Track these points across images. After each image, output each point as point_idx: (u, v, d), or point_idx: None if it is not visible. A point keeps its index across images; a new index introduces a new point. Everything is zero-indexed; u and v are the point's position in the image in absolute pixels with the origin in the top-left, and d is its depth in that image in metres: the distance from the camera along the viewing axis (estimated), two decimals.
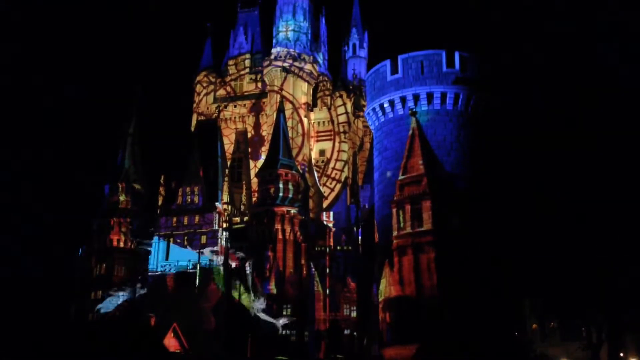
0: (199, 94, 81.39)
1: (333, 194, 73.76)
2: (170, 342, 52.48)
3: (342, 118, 77.26)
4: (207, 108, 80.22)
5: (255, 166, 74.02)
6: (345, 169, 75.17)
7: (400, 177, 40.22)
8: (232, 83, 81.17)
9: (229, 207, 65.08)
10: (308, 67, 77.06)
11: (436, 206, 38.54)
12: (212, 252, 59.40)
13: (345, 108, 77.68)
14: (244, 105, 79.77)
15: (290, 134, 69.60)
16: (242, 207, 69.48)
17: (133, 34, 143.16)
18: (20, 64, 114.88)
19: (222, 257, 60.22)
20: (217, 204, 62.17)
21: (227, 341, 53.56)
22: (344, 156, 76.01)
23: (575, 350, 48.33)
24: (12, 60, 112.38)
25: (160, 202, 64.88)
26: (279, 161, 61.17)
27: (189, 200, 62.79)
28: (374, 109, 44.26)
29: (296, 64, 76.32)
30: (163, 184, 65.64)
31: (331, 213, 67.07)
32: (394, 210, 39.99)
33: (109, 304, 58.33)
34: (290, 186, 60.50)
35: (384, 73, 43.64)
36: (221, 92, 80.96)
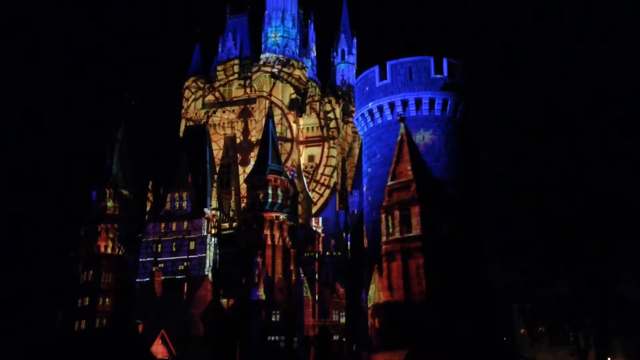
0: (187, 100, 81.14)
1: (322, 200, 73.71)
2: (158, 349, 52.17)
3: (331, 124, 77.34)
4: (196, 114, 80.00)
5: (244, 172, 73.83)
6: (334, 175, 75.17)
7: (389, 183, 40.27)
8: (221, 89, 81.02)
9: (218, 213, 64.86)
10: (297, 72, 77.12)
11: (425, 212, 38.60)
12: (201, 258, 59.24)
13: (334, 114, 77.76)
14: (233, 110, 79.63)
15: (279, 140, 69.53)
16: (231, 213, 69.25)
17: (122, 39, 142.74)
18: (10, 67, 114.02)
19: (211, 263, 60.05)
20: (205, 210, 61.95)
21: (215, 348, 53.31)
22: (333, 162, 76.03)
23: (563, 355, 48.57)
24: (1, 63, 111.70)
25: (148, 208, 64.56)
26: (268, 167, 61.06)
27: (178, 206, 62.56)
28: (362, 115, 44.35)
29: (285, 69, 76.37)
30: (151, 190, 65.35)
31: (320, 219, 66.98)
32: (383, 216, 40.01)
33: None
34: (279, 192, 60.39)
35: (372, 79, 43.76)
36: (210, 97, 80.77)
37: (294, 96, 76.92)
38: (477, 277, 38.93)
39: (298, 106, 76.45)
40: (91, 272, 62.29)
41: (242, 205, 68.63)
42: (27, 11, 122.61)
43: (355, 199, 66.59)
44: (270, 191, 59.92)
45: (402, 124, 41.07)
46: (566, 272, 45.19)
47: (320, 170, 75.77)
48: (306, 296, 57.82)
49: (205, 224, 61.11)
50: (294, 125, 76.35)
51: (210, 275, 59.06)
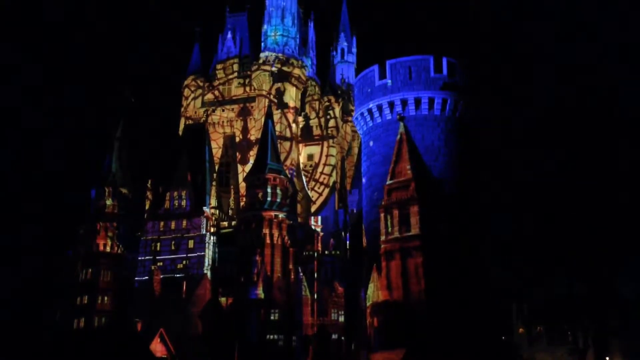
0: (187, 98, 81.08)
1: (321, 199, 73.70)
2: (157, 348, 52.18)
3: (331, 123, 77.34)
4: (195, 112, 79.95)
5: (243, 171, 73.80)
6: (334, 174, 75.17)
7: (388, 182, 40.29)
8: (220, 87, 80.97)
9: (217, 211, 64.86)
10: (296, 71, 77.10)
11: (424, 211, 38.62)
12: (200, 257, 59.26)
13: (334, 113, 77.76)
14: (232, 109, 79.60)
15: (278, 139, 69.49)
16: (230, 212, 69.25)
17: (122, 38, 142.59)
18: (8, 65, 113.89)
19: (210, 262, 60.05)
20: (204, 208, 61.95)
21: (214, 346, 53.29)
22: (332, 161, 76.03)
23: (562, 354, 48.62)
24: None
25: (147, 207, 64.56)
26: (267, 166, 61.00)
27: (177, 204, 62.58)
28: (362, 114, 44.36)
29: (284, 68, 76.34)
30: (150, 189, 65.34)
31: (319, 218, 66.95)
32: (382, 215, 40.03)
33: None
34: (278, 191, 60.35)
35: (372, 78, 43.78)
36: (209, 96, 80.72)
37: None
38: (476, 277, 38.96)
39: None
40: (90, 270, 62.17)
41: (241, 204, 68.63)
42: (26, 10, 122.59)
43: (354, 198, 66.59)
44: (269, 190, 59.90)
45: (401, 123, 41.11)
46: (565, 272, 45.27)
47: (320, 169, 75.78)
48: (305, 295, 57.78)
49: (204, 222, 61.11)
50: (293, 124, 76.35)
51: (209, 274, 59.07)
